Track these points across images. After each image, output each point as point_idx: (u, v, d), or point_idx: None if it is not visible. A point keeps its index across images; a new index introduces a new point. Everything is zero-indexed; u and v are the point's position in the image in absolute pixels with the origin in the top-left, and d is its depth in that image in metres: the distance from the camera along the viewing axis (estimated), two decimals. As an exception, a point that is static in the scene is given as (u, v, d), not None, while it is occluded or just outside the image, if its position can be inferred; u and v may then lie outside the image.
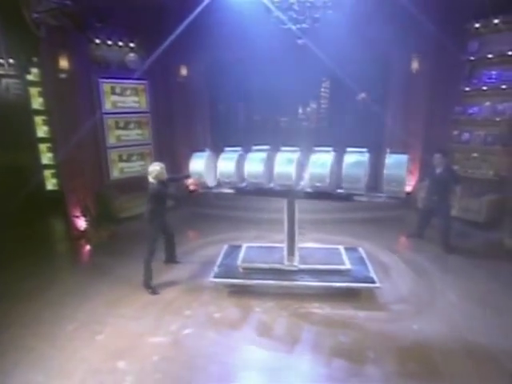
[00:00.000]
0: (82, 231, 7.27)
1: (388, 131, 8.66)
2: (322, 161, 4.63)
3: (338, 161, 4.67)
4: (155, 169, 5.34)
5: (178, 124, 9.23)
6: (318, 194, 4.83)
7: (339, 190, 4.70)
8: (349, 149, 4.67)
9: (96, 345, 4.18)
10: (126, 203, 8.07)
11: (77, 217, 7.33)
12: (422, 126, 8.31)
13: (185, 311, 4.75)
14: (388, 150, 4.51)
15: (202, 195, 9.05)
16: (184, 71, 8.80)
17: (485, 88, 7.30)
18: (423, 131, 8.30)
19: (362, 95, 9.85)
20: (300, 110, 10.80)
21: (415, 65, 8.00)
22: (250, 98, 10.30)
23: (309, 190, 4.87)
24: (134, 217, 7.94)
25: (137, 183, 8.21)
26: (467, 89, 7.54)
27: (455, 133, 7.85)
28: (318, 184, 4.65)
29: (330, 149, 4.80)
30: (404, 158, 4.42)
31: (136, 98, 8.49)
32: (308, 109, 10.80)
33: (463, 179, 7.37)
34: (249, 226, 7.79)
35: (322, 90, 10.65)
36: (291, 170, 4.67)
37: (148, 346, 4.16)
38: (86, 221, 7.24)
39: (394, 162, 4.37)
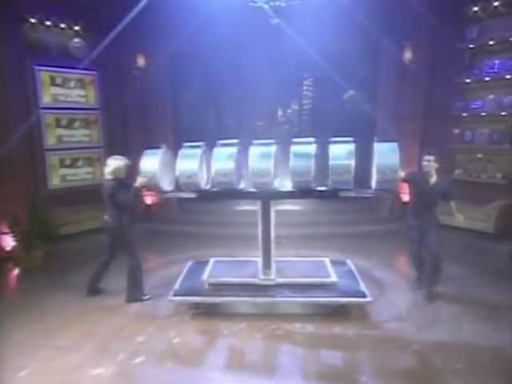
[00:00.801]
0: (9, 251, 6.96)
1: (380, 132, 8.72)
2: (304, 152, 4.57)
3: (321, 152, 4.67)
4: (113, 162, 5.25)
5: (135, 124, 9.12)
6: (301, 192, 4.78)
7: (321, 188, 4.72)
8: (333, 138, 4.68)
9: (18, 383, 3.89)
10: (68, 217, 7.87)
11: (3, 233, 7.01)
12: (419, 125, 8.49)
13: (137, 337, 4.57)
14: (375, 139, 4.60)
15: (161, 209, 9.06)
16: (141, 61, 8.74)
17: (487, 79, 7.52)
18: (420, 131, 8.47)
19: (350, 93, 10.04)
20: (279, 112, 10.87)
21: (408, 54, 8.20)
22: (221, 99, 10.34)
23: (288, 188, 4.81)
24: (77, 235, 7.80)
25: (82, 194, 8.16)
26: (468, 80, 7.75)
27: (456, 131, 8.01)
28: (300, 179, 4.59)
29: (311, 139, 4.77)
30: (394, 145, 4.50)
31: (82, 92, 8.37)
32: (289, 110, 10.93)
33: (467, 184, 7.49)
34: (218, 243, 7.68)
35: (305, 88, 10.80)
36: (269, 165, 4.59)
37: (87, 380, 3.91)
38: (15, 238, 6.90)
39: (385, 150, 4.42)
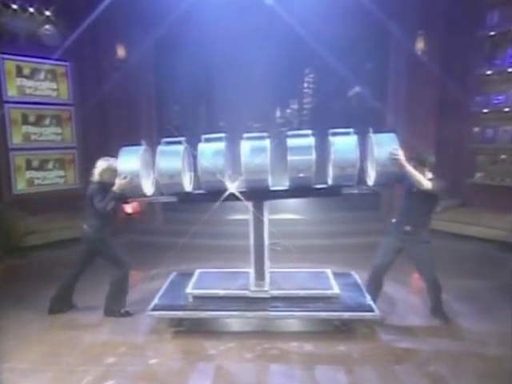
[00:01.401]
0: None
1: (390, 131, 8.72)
2: (304, 144, 4.56)
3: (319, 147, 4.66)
4: (103, 163, 5.24)
5: (114, 122, 9.06)
6: (299, 191, 4.75)
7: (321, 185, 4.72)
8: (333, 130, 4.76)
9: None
10: (36, 226, 7.78)
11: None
12: (433, 123, 8.48)
13: (107, 358, 4.44)
14: (371, 130, 4.65)
15: (144, 218, 8.96)
16: (121, 52, 8.72)
17: (511, 70, 7.50)
18: (434, 130, 8.46)
19: (355, 90, 10.05)
20: (278, 113, 10.85)
21: (421, 44, 8.19)
22: (212, 97, 10.31)
23: (283, 186, 4.78)
24: (47, 245, 7.70)
25: (53, 200, 8.15)
26: (488, 72, 7.78)
27: (476, 130, 7.99)
28: (299, 176, 4.54)
29: (308, 132, 4.76)
30: (392, 135, 4.59)
31: (53, 85, 8.36)
32: (288, 110, 10.92)
33: (489, 189, 7.44)
34: (208, 256, 7.57)
35: (305, 85, 10.80)
36: (264, 160, 4.54)
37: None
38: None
39: (384, 140, 4.52)
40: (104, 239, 5.29)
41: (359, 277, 5.67)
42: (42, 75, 8.16)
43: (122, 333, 4.96)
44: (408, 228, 4.92)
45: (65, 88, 8.51)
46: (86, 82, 8.74)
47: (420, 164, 4.80)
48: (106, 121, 9.07)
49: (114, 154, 8.81)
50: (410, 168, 4.55)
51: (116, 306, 5.33)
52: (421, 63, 8.23)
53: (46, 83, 8.24)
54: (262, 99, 10.03)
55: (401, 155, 4.44)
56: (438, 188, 4.68)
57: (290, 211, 8.73)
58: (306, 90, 10.81)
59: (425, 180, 4.62)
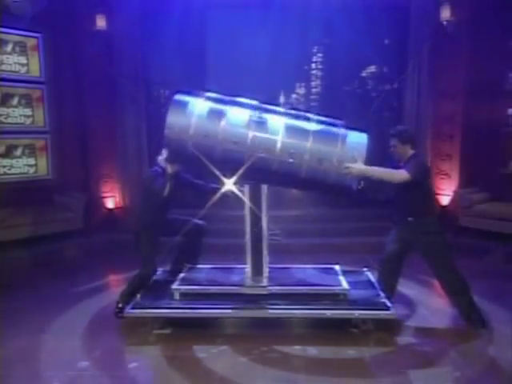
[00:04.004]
0: None
1: (410, 116, 8.68)
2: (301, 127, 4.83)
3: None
4: None
5: (93, 105, 9.07)
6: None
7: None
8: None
9: None
10: (0, 221, 7.66)
11: None
12: (461, 104, 8.44)
13: (78, 363, 4.42)
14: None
15: (129, 215, 8.96)
16: (101, 23, 8.70)
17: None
18: (462, 112, 8.44)
19: (371, 69, 10.03)
20: (282, 99, 10.80)
21: (446, 13, 8.16)
22: (206, 80, 10.26)
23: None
24: (13, 243, 7.62)
25: (21, 192, 8.12)
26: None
27: (510, 111, 7.90)
28: (290, 160, 4.73)
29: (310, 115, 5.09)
30: (362, 140, 4.81)
31: (23, 59, 8.31)
32: (293, 96, 10.85)
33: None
34: (203, 255, 7.48)
35: (313, 65, 10.75)
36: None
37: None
38: None
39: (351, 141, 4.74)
40: (149, 229, 5.36)
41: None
42: (8, 47, 8.09)
43: (98, 334, 4.97)
44: (405, 218, 4.90)
45: (36, 63, 8.44)
46: (61, 57, 8.70)
47: (402, 142, 4.85)
48: (83, 103, 9.07)
49: (93, 140, 8.96)
50: (373, 172, 4.67)
51: (126, 302, 5.24)
52: (446, 35, 8.21)
53: (13, 57, 8.17)
54: (264, 82, 9.99)
55: (354, 169, 4.60)
56: (413, 174, 4.60)
57: (294, 206, 8.82)
58: (313, 72, 10.74)
59: (396, 174, 4.68)
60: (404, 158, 4.84)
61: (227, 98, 4.98)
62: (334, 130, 4.80)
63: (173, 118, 4.76)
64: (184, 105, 4.83)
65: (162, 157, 5.23)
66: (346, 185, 4.73)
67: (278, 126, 4.75)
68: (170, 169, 5.14)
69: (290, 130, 4.75)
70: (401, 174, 4.60)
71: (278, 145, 4.67)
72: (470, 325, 4.87)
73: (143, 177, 5.44)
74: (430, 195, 5.09)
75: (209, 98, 4.93)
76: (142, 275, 5.36)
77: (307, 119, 4.91)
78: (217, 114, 4.78)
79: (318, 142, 4.69)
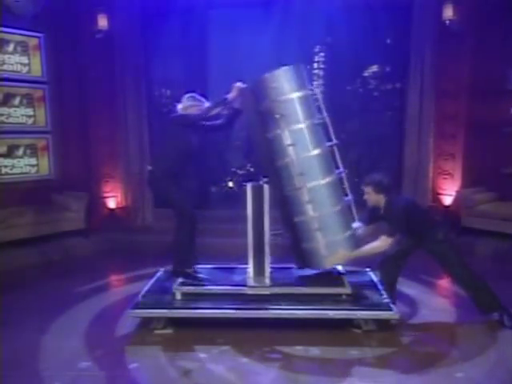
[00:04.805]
0: None
1: (412, 115, 8.64)
2: None
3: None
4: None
5: (95, 105, 9.08)
6: None
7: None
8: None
9: None
10: (1, 221, 7.63)
11: None
12: (464, 103, 8.41)
13: (79, 363, 4.41)
14: None
15: (129, 214, 8.96)
16: (103, 22, 8.69)
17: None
18: (465, 112, 8.40)
19: (373, 68, 9.99)
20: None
21: (449, 12, 8.09)
22: (209, 78, 10.24)
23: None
24: (15, 243, 7.62)
25: (23, 192, 8.16)
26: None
27: (514, 111, 7.91)
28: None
29: None
30: None
31: (24, 59, 8.30)
32: (295, 95, 10.80)
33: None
34: (206, 256, 7.45)
35: (315, 65, 10.71)
36: None
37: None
38: None
39: None
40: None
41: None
42: (10, 47, 8.09)
43: (99, 335, 4.97)
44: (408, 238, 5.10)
45: (38, 63, 8.43)
46: (63, 56, 8.70)
47: (375, 192, 4.91)
48: (85, 103, 9.07)
49: (95, 140, 8.96)
50: (359, 254, 4.98)
51: (180, 266, 5.32)
52: (449, 33, 8.17)
53: (15, 57, 8.16)
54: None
55: (340, 258, 5.03)
56: (397, 228, 4.86)
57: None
58: (315, 71, 10.70)
59: (376, 246, 4.89)
60: (378, 205, 4.97)
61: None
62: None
63: (284, 75, 4.82)
64: (301, 75, 4.93)
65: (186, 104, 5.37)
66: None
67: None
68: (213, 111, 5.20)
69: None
70: (378, 245, 4.87)
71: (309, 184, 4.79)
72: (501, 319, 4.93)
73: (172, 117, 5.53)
74: (424, 220, 5.13)
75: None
76: (177, 241, 5.28)
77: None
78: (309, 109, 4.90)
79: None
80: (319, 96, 5.18)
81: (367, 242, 4.95)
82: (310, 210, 4.82)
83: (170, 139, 5.36)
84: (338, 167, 5.04)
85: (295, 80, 4.84)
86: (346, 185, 5.08)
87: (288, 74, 4.84)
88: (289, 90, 4.78)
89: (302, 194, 4.80)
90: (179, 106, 5.45)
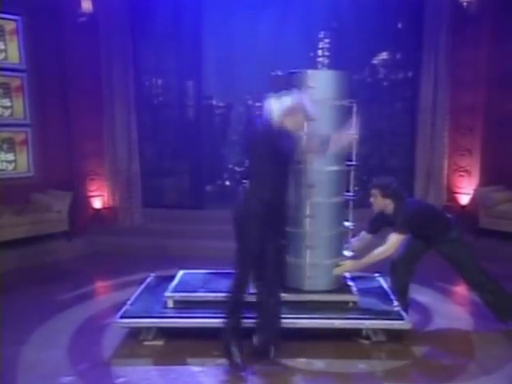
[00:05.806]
0: None
1: (426, 107, 8.66)
2: None
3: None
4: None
5: (79, 93, 9.03)
6: None
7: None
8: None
9: None
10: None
11: None
12: (482, 94, 8.43)
13: (61, 378, 4.39)
14: None
15: (118, 216, 8.97)
16: (87, 5, 8.68)
17: None
18: (484, 103, 8.43)
19: (383, 56, 10.03)
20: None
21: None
22: (202, 65, 10.26)
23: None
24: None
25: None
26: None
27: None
28: None
29: None
30: None
31: (0, 44, 8.26)
32: (298, 85, 10.83)
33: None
34: (202, 260, 7.43)
35: (320, 52, 10.73)
36: None
37: None
38: None
39: None
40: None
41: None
42: (-17, 32, 8.08)
43: (84, 347, 4.96)
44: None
45: (15, 49, 8.38)
46: (43, 42, 8.65)
47: (382, 195, 4.92)
48: (67, 93, 9.04)
49: (79, 133, 8.96)
50: (366, 263, 4.97)
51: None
52: (465, 17, 8.20)
53: (-11, 42, 8.14)
54: (264, 70, 9.96)
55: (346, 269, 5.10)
56: (404, 230, 4.85)
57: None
58: (320, 59, 10.73)
59: (383, 252, 4.84)
60: (384, 210, 5.00)
61: None
62: None
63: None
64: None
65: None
66: None
67: None
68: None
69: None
70: (385, 250, 4.83)
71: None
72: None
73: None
74: (435, 223, 5.09)
75: None
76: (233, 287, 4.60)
77: None
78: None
79: None
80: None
81: (366, 253, 4.99)
82: (306, 225, 4.86)
83: None
84: (348, 190, 5.09)
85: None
86: (351, 207, 5.18)
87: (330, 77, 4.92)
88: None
89: (304, 206, 4.84)
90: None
